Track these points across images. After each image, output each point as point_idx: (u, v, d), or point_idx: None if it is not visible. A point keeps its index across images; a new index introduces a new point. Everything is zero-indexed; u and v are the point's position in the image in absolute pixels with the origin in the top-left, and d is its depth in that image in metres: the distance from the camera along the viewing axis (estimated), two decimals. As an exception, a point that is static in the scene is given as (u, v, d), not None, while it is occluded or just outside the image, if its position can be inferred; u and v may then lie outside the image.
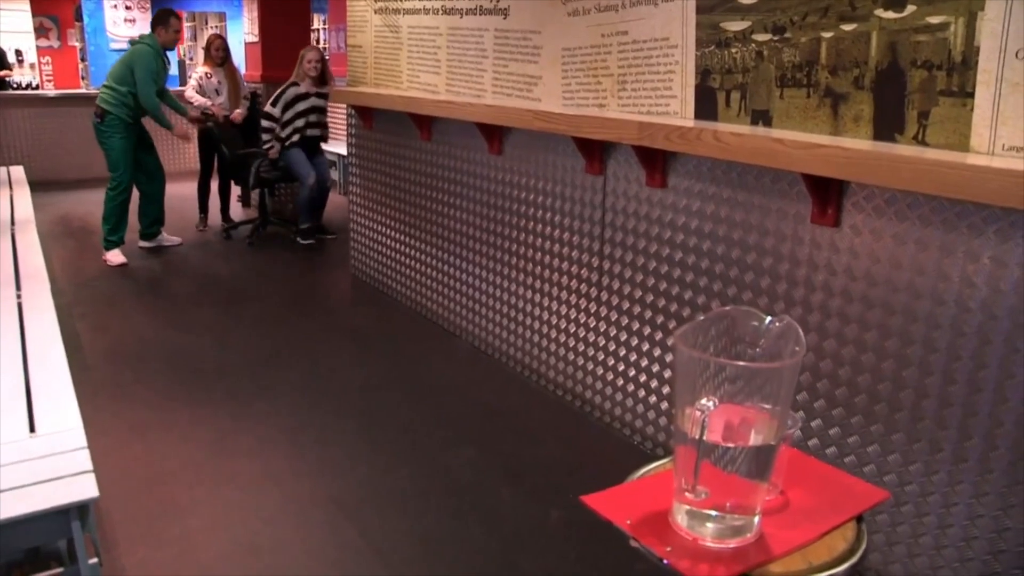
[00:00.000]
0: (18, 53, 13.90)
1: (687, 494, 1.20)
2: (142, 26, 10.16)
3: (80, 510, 1.72)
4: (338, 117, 7.38)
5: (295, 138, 6.06)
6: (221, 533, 2.54)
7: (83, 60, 12.40)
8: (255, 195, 7.06)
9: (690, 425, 1.16)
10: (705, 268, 2.75)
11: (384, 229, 4.94)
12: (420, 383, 3.79)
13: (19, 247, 3.78)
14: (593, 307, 3.30)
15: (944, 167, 1.85)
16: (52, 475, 1.76)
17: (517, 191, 3.66)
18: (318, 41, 10.75)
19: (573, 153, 3.22)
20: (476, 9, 3.86)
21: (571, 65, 3.31)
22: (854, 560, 1.22)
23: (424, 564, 2.43)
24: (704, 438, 1.15)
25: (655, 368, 3.02)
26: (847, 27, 2.27)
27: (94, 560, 1.87)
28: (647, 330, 3.03)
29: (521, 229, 3.67)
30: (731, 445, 1.20)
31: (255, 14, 7.46)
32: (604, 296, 3.23)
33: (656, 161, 2.86)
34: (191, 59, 12.81)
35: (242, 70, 7.50)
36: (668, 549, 1.20)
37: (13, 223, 4.31)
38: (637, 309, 3.07)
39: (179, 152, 9.02)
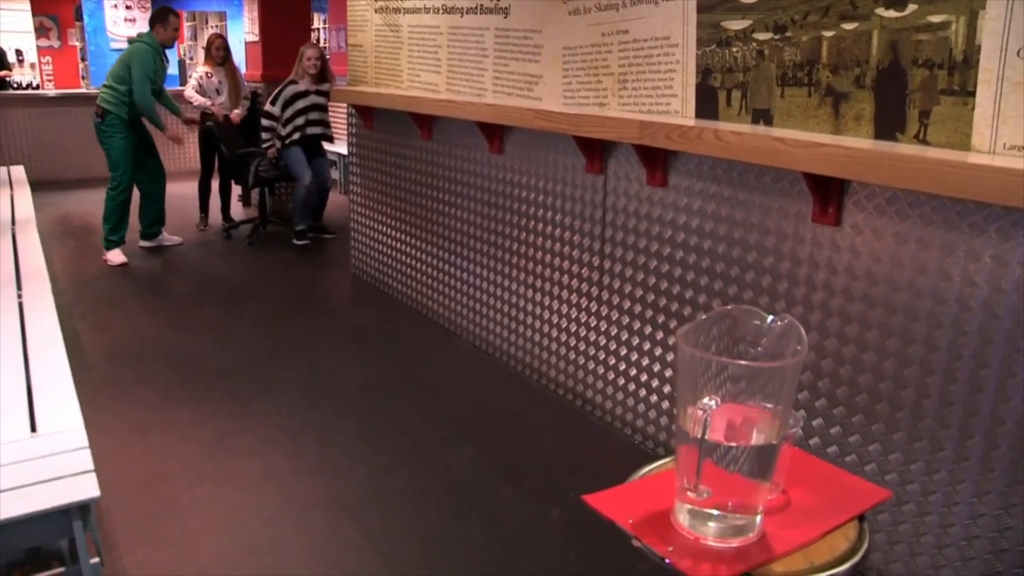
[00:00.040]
0: (18, 53, 13.90)
1: (689, 493, 1.20)
2: (142, 26, 10.14)
3: (81, 510, 1.72)
4: (339, 116, 7.38)
5: (295, 136, 6.02)
6: (221, 533, 2.54)
7: (83, 60, 12.40)
8: (255, 194, 7.06)
9: (692, 424, 1.16)
10: (706, 267, 2.75)
11: (385, 228, 4.94)
12: (421, 383, 3.78)
13: (20, 247, 3.78)
14: (594, 306, 3.29)
15: (945, 166, 1.85)
16: (53, 475, 1.76)
17: (518, 190, 3.65)
18: (318, 40, 10.74)
19: (574, 152, 3.22)
20: (477, 8, 3.85)
21: (572, 64, 3.30)
22: (856, 559, 1.21)
23: (424, 564, 2.42)
24: (706, 437, 1.15)
25: (656, 367, 3.02)
26: (848, 26, 2.27)
27: (95, 560, 1.86)
28: (648, 329, 3.03)
29: (522, 228, 3.66)
30: (733, 444, 1.20)
31: (255, 13, 7.46)
32: (605, 295, 3.23)
33: (657, 160, 2.86)
34: (191, 58, 12.81)
35: (242, 70, 7.50)
36: (670, 549, 1.20)
37: (14, 223, 4.31)
38: (638, 308, 3.07)
39: (180, 152, 9.00)
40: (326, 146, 6.39)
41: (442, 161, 4.22)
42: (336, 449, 3.10)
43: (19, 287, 3.14)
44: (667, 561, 1.18)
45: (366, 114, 4.88)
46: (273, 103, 5.98)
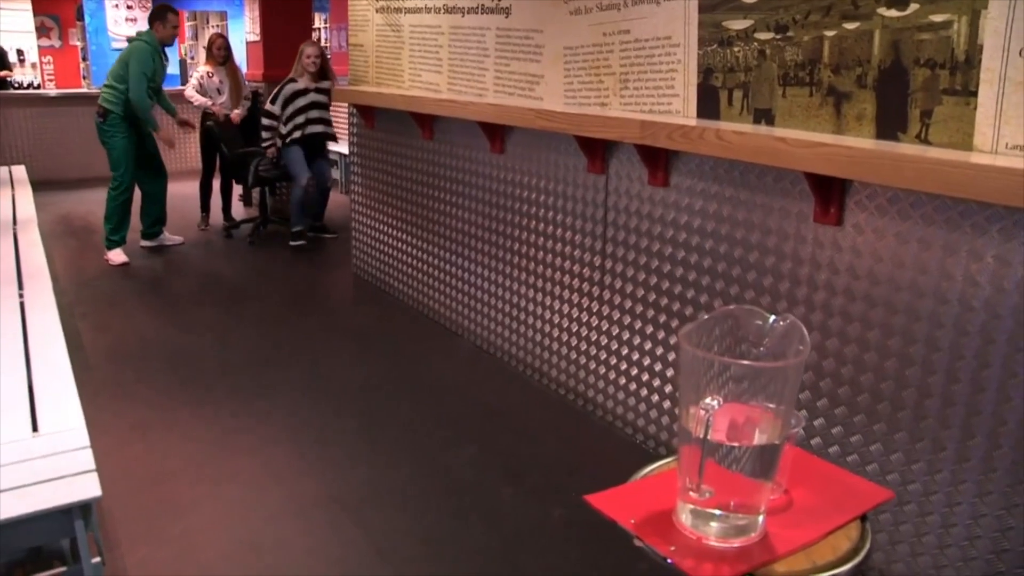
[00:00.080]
0: (19, 53, 13.90)
1: (691, 493, 1.20)
2: (143, 25, 10.11)
3: (83, 509, 1.72)
4: (340, 116, 7.38)
5: (296, 135, 5.99)
6: (222, 532, 2.54)
7: (84, 59, 12.41)
8: (256, 194, 7.06)
9: (694, 424, 1.16)
10: (708, 267, 2.75)
11: (386, 228, 4.94)
12: (421, 382, 3.79)
13: (21, 246, 3.79)
14: (595, 306, 3.29)
15: (947, 166, 1.84)
16: (55, 474, 1.76)
17: (519, 190, 3.65)
18: (319, 40, 10.74)
19: (575, 152, 3.22)
20: (478, 8, 3.85)
21: (573, 64, 3.30)
22: (858, 559, 1.21)
23: (425, 563, 2.42)
24: (708, 437, 1.15)
25: (657, 367, 3.02)
26: (850, 25, 2.26)
27: (97, 559, 1.86)
28: (649, 328, 3.03)
29: (523, 228, 3.66)
30: (735, 444, 1.19)
31: (256, 13, 7.46)
32: (606, 295, 3.22)
33: (658, 160, 2.85)
34: (192, 58, 12.82)
35: (243, 69, 7.50)
36: (672, 548, 1.20)
37: (15, 222, 4.31)
38: (639, 308, 3.07)
39: (181, 152, 9.01)
40: (329, 145, 6.36)
41: (443, 161, 4.22)
42: (337, 448, 3.10)
43: (20, 287, 3.14)
44: (669, 561, 1.18)
45: (367, 114, 4.88)
46: (273, 102, 5.96)
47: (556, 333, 3.54)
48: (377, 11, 4.71)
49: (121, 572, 2.33)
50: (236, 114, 6.60)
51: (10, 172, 5.90)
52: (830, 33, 2.32)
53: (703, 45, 2.72)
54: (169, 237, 6.17)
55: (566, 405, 3.49)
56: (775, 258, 2.50)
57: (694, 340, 1.23)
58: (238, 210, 7.36)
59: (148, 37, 5.59)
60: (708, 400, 1.15)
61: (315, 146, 6.16)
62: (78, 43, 13.08)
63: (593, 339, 3.33)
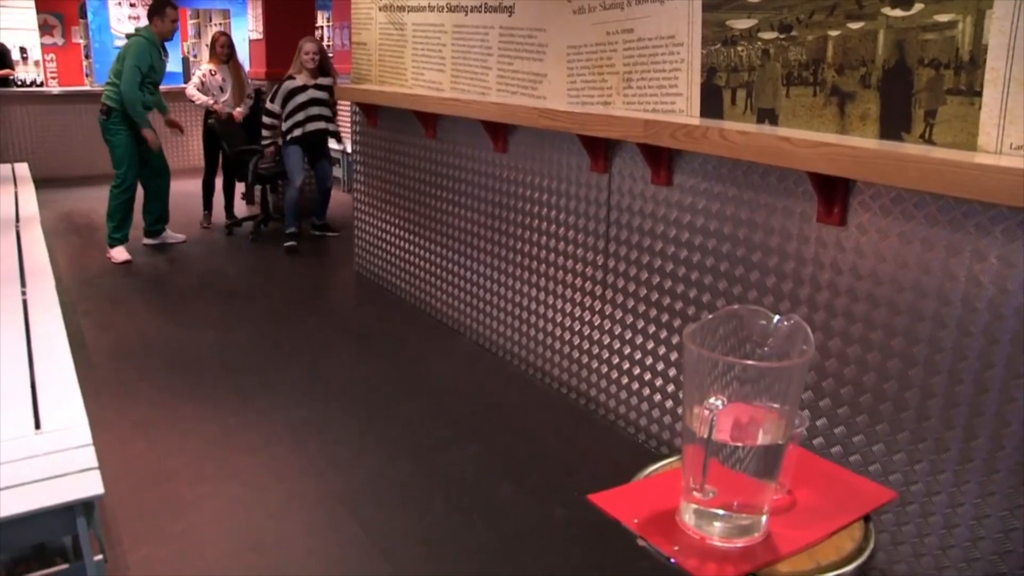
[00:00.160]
0: (23, 50, 13.90)
1: (695, 493, 1.20)
2: (146, 22, 10.16)
3: (85, 507, 1.73)
4: (343, 115, 7.38)
5: (296, 132, 5.94)
6: (224, 530, 2.54)
7: (87, 57, 12.40)
8: (258, 192, 7.06)
9: (698, 424, 1.16)
10: (710, 266, 2.74)
11: (388, 227, 4.94)
12: (423, 381, 3.78)
13: (24, 244, 3.79)
14: (598, 305, 3.29)
15: (951, 166, 1.84)
16: (57, 472, 1.77)
17: (522, 189, 3.65)
18: (322, 38, 10.74)
19: (578, 151, 3.21)
20: (481, 7, 3.85)
21: (576, 63, 3.30)
22: (862, 560, 1.21)
23: (427, 562, 2.42)
24: (712, 437, 1.15)
25: (660, 366, 3.02)
26: (854, 25, 2.26)
27: (99, 557, 1.86)
28: (652, 328, 3.03)
29: (526, 227, 3.66)
30: (739, 444, 1.19)
31: (259, 11, 7.46)
32: (609, 294, 3.22)
33: (662, 159, 2.85)
34: (195, 56, 12.81)
35: (246, 67, 7.50)
36: (675, 548, 1.20)
37: (18, 220, 4.32)
38: (642, 307, 3.06)
39: (183, 150, 9.03)
40: (331, 144, 6.33)
41: (446, 160, 4.22)
42: (339, 446, 3.10)
43: (23, 284, 3.14)
44: (672, 561, 1.18)
45: (370, 112, 4.88)
46: (273, 100, 5.94)
47: (558, 332, 3.54)
48: (380, 9, 4.71)
49: (123, 570, 2.33)
50: (239, 112, 6.60)
51: (13, 170, 5.91)
52: (834, 33, 2.31)
53: (707, 44, 2.72)
54: (171, 235, 6.17)
55: (568, 404, 3.49)
56: (778, 258, 2.49)
57: (698, 340, 1.22)
58: (240, 208, 7.36)
59: (147, 32, 5.57)
60: (712, 400, 1.15)
61: (316, 145, 6.11)
62: (81, 41, 13.08)
63: (595, 338, 3.32)
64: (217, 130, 6.44)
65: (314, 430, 3.23)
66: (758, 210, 2.55)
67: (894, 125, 2.19)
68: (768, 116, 2.55)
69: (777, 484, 1.28)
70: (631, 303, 3.11)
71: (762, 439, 1.20)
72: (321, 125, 6.01)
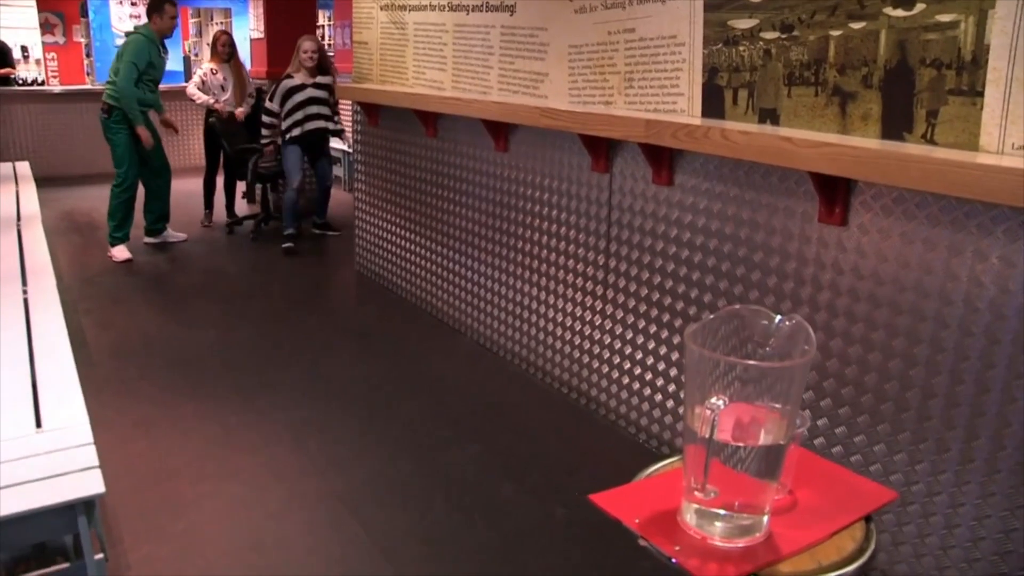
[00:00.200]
0: (24, 49, 13.90)
1: (696, 493, 1.20)
2: (147, 21, 10.16)
3: (86, 506, 1.73)
4: (344, 114, 7.38)
5: (295, 132, 5.90)
6: (224, 529, 2.54)
7: (88, 56, 12.41)
8: (259, 190, 7.06)
9: (700, 424, 1.16)
10: (712, 266, 2.74)
11: (389, 226, 4.94)
12: (424, 380, 3.78)
13: (25, 243, 3.79)
14: (598, 304, 3.29)
15: (953, 166, 1.84)
16: (58, 471, 1.77)
17: (523, 188, 3.65)
18: (323, 37, 10.74)
19: (579, 151, 3.21)
20: (482, 6, 3.85)
21: (578, 62, 3.30)
22: (863, 560, 1.21)
23: (427, 561, 2.42)
24: (714, 437, 1.14)
25: (661, 366, 3.02)
26: (856, 25, 2.26)
27: (100, 556, 1.87)
28: (653, 328, 3.03)
29: (527, 227, 3.66)
30: (741, 444, 1.19)
31: (260, 10, 7.45)
32: (610, 294, 3.22)
33: (663, 159, 2.85)
34: (196, 55, 12.81)
35: (247, 66, 7.49)
36: (677, 548, 1.20)
37: (19, 219, 4.32)
38: (643, 307, 3.06)
39: (185, 148, 9.03)
40: (333, 143, 6.30)
41: (447, 159, 4.21)
42: (339, 446, 3.10)
43: (24, 283, 3.14)
44: (674, 560, 1.18)
45: (371, 111, 4.88)
46: (272, 100, 5.92)
47: (559, 331, 3.54)
48: (381, 8, 4.71)
49: (124, 569, 2.33)
50: (241, 111, 6.60)
51: (14, 168, 5.91)
52: (836, 33, 2.31)
53: (708, 44, 2.72)
54: (172, 234, 6.17)
55: (569, 404, 3.49)
56: (779, 258, 2.49)
57: (700, 340, 1.22)
58: (241, 207, 7.35)
59: (146, 30, 5.57)
60: (714, 400, 1.14)
61: (315, 144, 6.08)
62: (82, 39, 13.08)
63: (596, 338, 3.32)
64: (218, 129, 6.43)
65: (315, 429, 3.23)
66: (759, 210, 2.54)
67: (896, 125, 2.19)
68: (770, 116, 2.55)
69: (778, 484, 1.28)
70: (632, 303, 3.11)
71: (764, 439, 1.20)
72: (320, 124, 5.97)
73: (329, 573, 2.36)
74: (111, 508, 2.58)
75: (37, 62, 13.94)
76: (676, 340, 2.94)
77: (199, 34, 12.92)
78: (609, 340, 3.25)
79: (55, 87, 11.39)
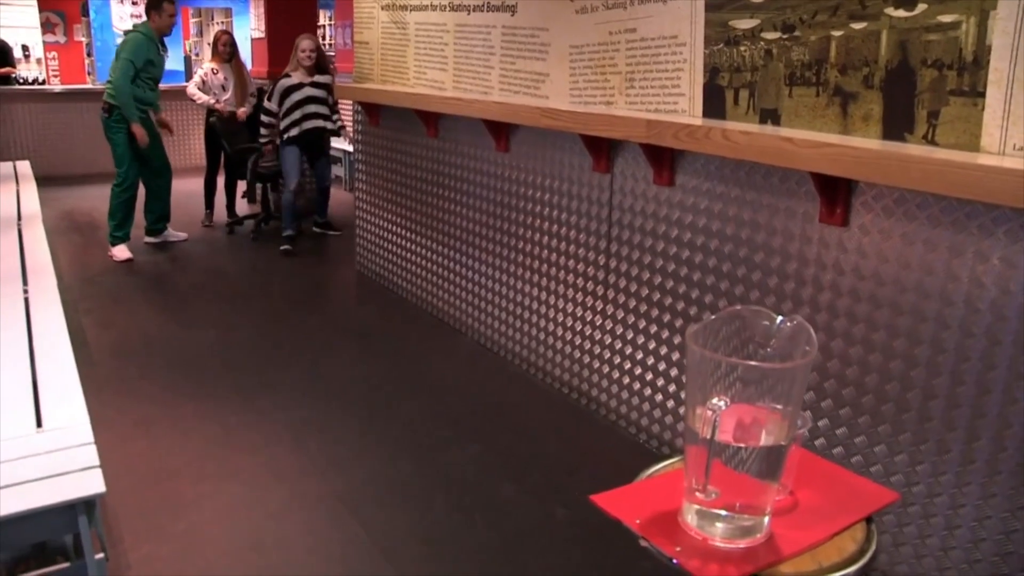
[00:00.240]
0: (24, 48, 13.91)
1: (697, 494, 1.20)
2: (149, 22, 10.15)
3: (87, 505, 1.72)
4: (344, 113, 7.37)
5: (293, 132, 5.86)
6: (225, 529, 2.54)
7: (89, 55, 12.41)
8: (259, 190, 7.06)
9: (701, 425, 1.16)
10: (712, 267, 2.74)
11: (390, 226, 4.94)
12: (424, 380, 3.78)
13: (25, 242, 3.79)
14: (599, 305, 3.29)
15: (954, 167, 1.84)
16: (59, 470, 1.76)
17: (524, 189, 3.65)
18: (324, 37, 10.75)
19: (580, 151, 3.21)
20: (484, 6, 3.85)
21: (579, 62, 3.30)
22: (864, 561, 1.21)
23: (428, 561, 2.42)
24: (715, 438, 1.14)
25: (661, 366, 3.02)
26: (857, 26, 2.26)
27: (100, 555, 1.87)
28: (654, 328, 3.03)
29: (528, 227, 3.66)
30: (742, 445, 1.19)
31: (261, 10, 7.45)
32: (611, 294, 3.22)
33: (664, 159, 2.85)
34: (197, 55, 12.82)
35: (248, 66, 7.49)
36: (678, 549, 1.20)
37: (20, 218, 4.32)
38: (644, 307, 3.06)
39: (185, 148, 9.02)
40: (335, 142, 6.28)
41: (448, 159, 4.21)
42: (339, 446, 3.10)
43: (25, 282, 3.14)
44: (675, 561, 1.18)
45: (372, 111, 4.88)
46: (270, 99, 5.90)
47: (560, 332, 3.54)
48: (383, 8, 4.71)
49: (124, 568, 2.33)
50: (243, 111, 6.59)
51: (15, 168, 5.90)
52: (837, 33, 2.31)
53: (709, 44, 2.72)
54: (173, 233, 6.17)
55: (569, 404, 3.49)
56: (780, 258, 2.49)
57: (701, 340, 1.22)
58: (242, 207, 7.35)
59: (144, 28, 5.56)
60: (715, 401, 1.14)
61: (313, 143, 6.04)
62: (83, 39, 13.09)
63: (597, 338, 3.32)
64: (218, 129, 6.43)
65: (315, 429, 3.23)
66: (760, 211, 2.54)
67: (897, 126, 2.19)
68: (771, 116, 2.55)
69: (779, 485, 1.28)
70: (633, 303, 3.11)
71: (765, 440, 1.20)
72: (318, 123, 5.93)
73: (329, 573, 2.36)
74: (111, 508, 2.58)
75: (38, 61, 13.95)
76: (677, 340, 2.94)
77: (200, 34, 12.92)
78: (610, 340, 3.25)
79: (56, 86, 11.39)
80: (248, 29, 8.20)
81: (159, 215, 6.03)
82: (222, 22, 12.24)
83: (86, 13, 11.75)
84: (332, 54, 7.96)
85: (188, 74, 11.49)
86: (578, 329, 3.42)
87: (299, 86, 5.81)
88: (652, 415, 3.08)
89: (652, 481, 1.42)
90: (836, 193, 2.26)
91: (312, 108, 5.87)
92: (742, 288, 2.64)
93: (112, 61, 5.58)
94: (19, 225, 4.15)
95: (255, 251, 6.13)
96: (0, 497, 1.65)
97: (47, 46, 13.37)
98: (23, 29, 13.58)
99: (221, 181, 6.82)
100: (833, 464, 1.52)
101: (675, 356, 2.95)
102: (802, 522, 1.28)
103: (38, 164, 6.78)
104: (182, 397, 3.49)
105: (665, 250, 2.93)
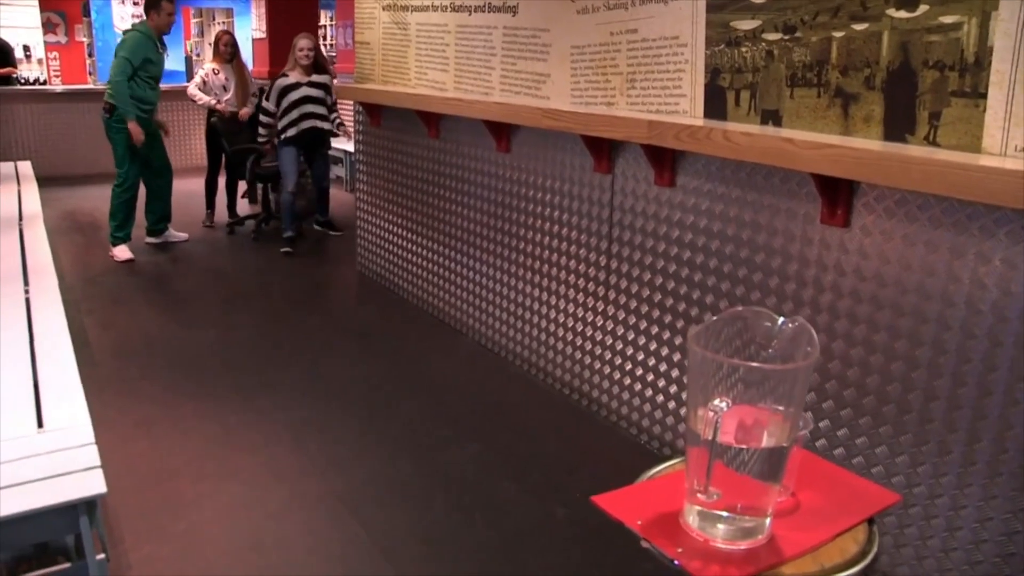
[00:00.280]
0: (26, 49, 13.92)
1: (699, 495, 1.20)
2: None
3: (88, 506, 1.72)
4: (345, 114, 7.38)
5: (290, 132, 5.83)
6: (225, 529, 2.54)
7: (91, 56, 12.43)
8: (260, 190, 7.06)
9: (703, 426, 1.16)
10: (713, 268, 2.74)
11: (391, 226, 4.94)
12: (424, 380, 3.78)
13: (27, 242, 3.79)
14: (600, 305, 3.29)
15: (955, 168, 1.84)
16: (60, 471, 1.77)
17: (525, 189, 3.65)
18: (325, 37, 10.76)
19: (581, 152, 3.21)
20: (485, 6, 3.85)
21: (580, 63, 3.30)
22: (866, 563, 1.21)
23: (428, 561, 2.42)
24: (717, 439, 1.14)
25: (662, 367, 3.02)
26: (858, 27, 2.26)
27: (101, 556, 1.87)
28: (654, 329, 3.03)
29: (529, 227, 3.66)
30: (743, 446, 1.19)
31: (263, 10, 7.47)
32: (611, 295, 3.22)
33: (665, 160, 2.85)
34: (198, 55, 12.83)
35: (249, 66, 7.49)
36: (679, 550, 1.20)
37: (21, 218, 4.32)
38: (644, 308, 3.06)
39: (187, 148, 9.03)
40: (336, 143, 6.26)
41: (449, 160, 4.21)
42: (339, 445, 3.10)
43: (26, 283, 3.14)
44: (676, 563, 1.18)
45: (373, 112, 4.88)
46: (268, 99, 5.89)
47: (560, 332, 3.54)
48: (384, 9, 4.71)
49: (125, 569, 2.33)
50: (245, 112, 6.58)
51: (16, 168, 5.91)
52: (838, 34, 2.31)
53: (711, 45, 2.72)
54: (174, 234, 6.17)
55: (569, 405, 3.49)
56: (781, 259, 2.49)
57: (703, 342, 1.22)
58: (243, 207, 7.35)
59: (143, 27, 5.55)
60: (717, 402, 1.14)
61: (312, 143, 6.01)
62: (84, 39, 13.11)
63: (597, 339, 3.32)
64: (219, 129, 6.43)
65: (315, 429, 3.23)
66: (761, 211, 2.54)
67: (898, 127, 2.19)
68: (772, 117, 2.55)
69: (781, 487, 1.28)
70: (633, 304, 3.11)
71: (766, 441, 1.19)
72: (316, 123, 5.89)
73: (329, 573, 2.36)
74: (112, 508, 2.58)
75: (39, 62, 13.96)
76: (677, 341, 2.94)
77: (201, 34, 12.94)
78: (610, 341, 3.25)
79: (57, 87, 11.40)
80: (249, 29, 8.20)
81: (160, 215, 6.03)
82: (223, 22, 12.24)
83: (87, 13, 11.76)
84: (333, 54, 7.97)
85: (189, 74, 11.50)
86: (579, 330, 3.42)
87: (296, 85, 5.79)
88: (652, 416, 3.08)
89: (653, 482, 1.42)
90: (837, 194, 2.26)
91: (310, 108, 5.84)
92: (743, 289, 2.64)
93: (112, 62, 5.58)
94: (20, 225, 4.15)
95: (256, 251, 6.13)
96: (1, 497, 1.65)
97: (48, 46, 13.39)
98: (24, 29, 13.60)
99: (222, 181, 6.82)
100: (834, 465, 1.52)
101: (675, 357, 2.95)
102: (804, 523, 1.28)
103: (39, 164, 6.78)
104: (183, 397, 3.49)
105: (666, 251, 2.93)
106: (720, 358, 1.20)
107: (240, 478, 2.85)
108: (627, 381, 3.19)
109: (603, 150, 3.12)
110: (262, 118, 5.99)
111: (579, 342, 3.43)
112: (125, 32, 5.77)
